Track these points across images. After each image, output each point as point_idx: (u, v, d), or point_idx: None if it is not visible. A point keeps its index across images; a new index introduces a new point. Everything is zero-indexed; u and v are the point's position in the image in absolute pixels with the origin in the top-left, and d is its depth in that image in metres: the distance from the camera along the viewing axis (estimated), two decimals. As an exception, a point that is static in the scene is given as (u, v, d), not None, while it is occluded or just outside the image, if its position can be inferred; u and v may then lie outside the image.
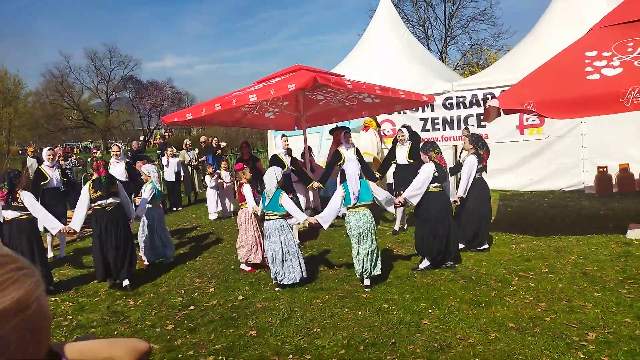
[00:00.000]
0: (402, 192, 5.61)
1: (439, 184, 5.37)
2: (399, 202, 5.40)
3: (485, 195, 6.09)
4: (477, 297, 4.50)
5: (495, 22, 29.42)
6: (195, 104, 10.83)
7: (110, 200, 5.54)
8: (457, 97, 10.02)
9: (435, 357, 3.45)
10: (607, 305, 4.05)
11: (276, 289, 5.19)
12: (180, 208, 11.46)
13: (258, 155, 12.13)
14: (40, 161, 9.71)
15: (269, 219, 5.29)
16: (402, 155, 7.16)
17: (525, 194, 9.47)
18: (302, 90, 6.46)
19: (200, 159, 12.11)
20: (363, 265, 4.96)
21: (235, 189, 6.92)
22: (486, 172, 6.14)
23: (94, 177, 5.56)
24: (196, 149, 12.62)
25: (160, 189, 6.70)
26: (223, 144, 13.75)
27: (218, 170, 10.04)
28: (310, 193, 8.11)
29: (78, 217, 5.52)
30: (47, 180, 7.04)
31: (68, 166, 12.20)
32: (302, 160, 8.19)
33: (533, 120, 9.30)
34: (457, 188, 6.26)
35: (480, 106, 9.65)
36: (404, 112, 10.29)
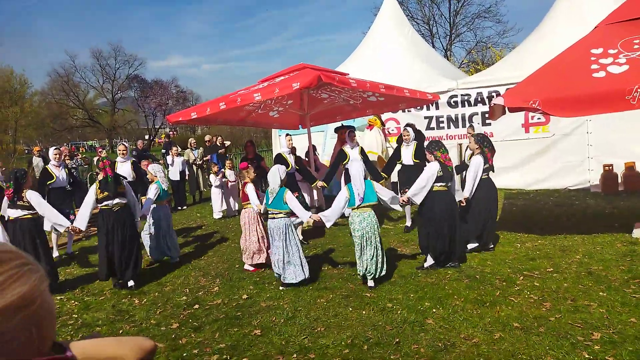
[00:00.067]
0: (407, 190, 5.60)
1: (444, 184, 5.35)
2: (403, 200, 5.39)
3: (492, 196, 6.02)
4: (481, 296, 4.49)
5: (501, 20, 29.37)
6: (200, 103, 10.86)
7: (117, 200, 5.57)
8: (461, 95, 9.98)
9: (439, 357, 3.44)
10: (612, 304, 4.03)
11: (280, 288, 5.20)
12: (185, 207, 11.51)
13: (262, 154, 12.14)
14: (46, 160, 9.77)
15: (273, 218, 5.29)
16: (407, 155, 7.13)
17: (531, 193, 9.42)
18: (306, 89, 6.46)
19: (205, 158, 12.14)
20: (367, 267, 4.95)
21: (240, 188, 6.93)
22: (493, 171, 6.09)
23: (100, 176, 5.58)
24: (201, 147, 12.65)
25: (166, 189, 6.72)
26: (227, 143, 13.77)
27: (223, 169, 10.07)
28: (315, 192, 8.12)
29: (83, 216, 5.54)
30: (54, 180, 7.08)
31: (74, 165, 12.26)
32: (307, 159, 8.19)
33: (538, 119, 9.25)
34: (462, 187, 6.23)
35: (485, 104, 9.60)
36: (408, 111, 10.27)
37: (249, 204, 5.94)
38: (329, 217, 5.15)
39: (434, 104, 9.99)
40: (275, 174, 5.29)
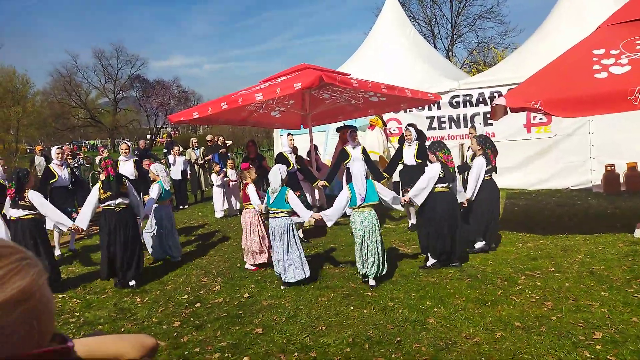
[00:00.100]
0: (409, 189, 5.61)
1: (445, 185, 5.35)
2: (405, 200, 5.40)
3: (495, 197, 6.00)
4: (483, 295, 4.49)
5: (502, 20, 29.21)
6: (202, 103, 10.88)
7: (119, 200, 5.58)
8: (463, 95, 9.97)
9: (440, 356, 3.45)
10: (613, 304, 4.03)
11: (282, 287, 5.21)
12: (186, 206, 11.52)
13: (264, 154, 12.17)
14: (48, 160, 9.80)
15: (275, 217, 5.30)
16: (409, 156, 7.13)
17: (533, 193, 9.42)
18: (308, 89, 6.47)
19: (206, 158, 12.17)
20: (367, 266, 4.95)
21: (241, 187, 6.95)
22: (496, 172, 6.07)
23: (103, 176, 5.59)
24: (203, 147, 12.67)
25: (168, 189, 6.74)
26: (229, 143, 13.79)
27: (224, 169, 10.08)
28: (316, 191, 8.12)
29: (85, 215, 5.56)
30: (56, 179, 7.11)
31: (76, 164, 12.30)
32: (308, 159, 8.20)
33: (540, 119, 9.25)
34: (464, 188, 6.21)
35: (487, 104, 9.59)
36: (410, 111, 10.27)
37: (250, 204, 5.95)
38: (330, 216, 5.16)
39: (436, 104, 9.98)
40: (277, 174, 5.30)
